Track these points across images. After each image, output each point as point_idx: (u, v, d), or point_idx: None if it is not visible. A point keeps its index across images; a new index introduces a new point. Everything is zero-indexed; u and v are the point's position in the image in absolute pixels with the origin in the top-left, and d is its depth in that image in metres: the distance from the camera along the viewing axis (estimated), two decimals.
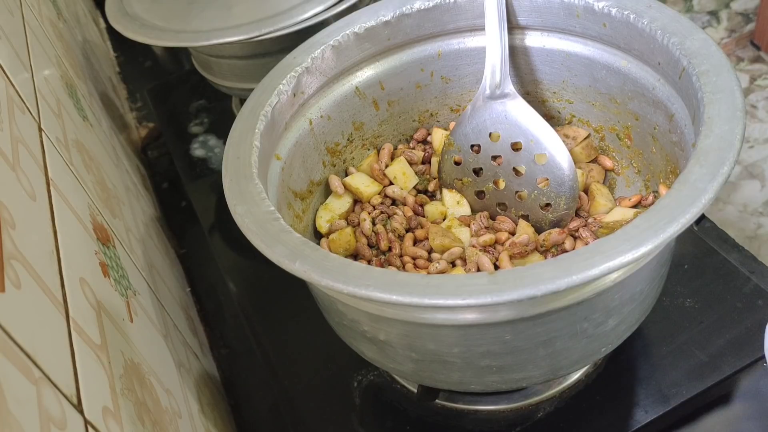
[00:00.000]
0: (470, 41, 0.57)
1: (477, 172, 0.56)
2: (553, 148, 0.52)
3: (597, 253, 0.33)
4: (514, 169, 0.54)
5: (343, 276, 0.36)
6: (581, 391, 0.53)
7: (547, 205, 0.53)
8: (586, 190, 0.55)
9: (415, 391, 0.54)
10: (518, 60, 0.57)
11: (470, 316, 0.38)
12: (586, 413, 0.52)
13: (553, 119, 0.59)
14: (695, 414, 0.52)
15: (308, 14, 0.66)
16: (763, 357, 0.50)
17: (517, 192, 0.54)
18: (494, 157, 0.55)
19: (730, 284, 0.57)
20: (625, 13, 0.48)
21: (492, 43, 0.53)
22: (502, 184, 0.55)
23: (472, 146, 0.55)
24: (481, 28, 0.56)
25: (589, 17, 0.50)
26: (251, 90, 0.51)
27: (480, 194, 0.56)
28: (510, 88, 0.53)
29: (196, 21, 0.70)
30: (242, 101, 0.55)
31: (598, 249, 0.33)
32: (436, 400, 0.54)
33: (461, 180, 0.57)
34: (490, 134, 0.54)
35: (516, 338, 0.40)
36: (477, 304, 0.33)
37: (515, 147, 0.53)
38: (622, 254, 0.33)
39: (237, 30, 0.66)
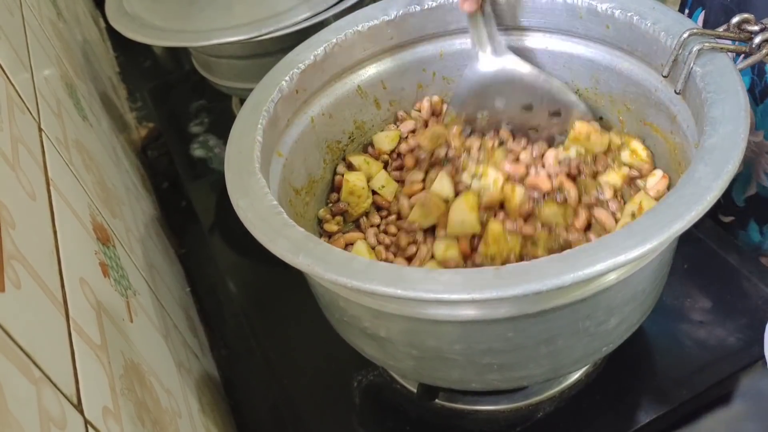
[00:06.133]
0: None
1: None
2: (566, 100, 0.53)
3: (602, 248, 0.33)
4: (528, 130, 0.55)
5: (347, 270, 0.35)
6: (581, 391, 0.53)
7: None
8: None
9: (415, 391, 0.54)
10: None
11: (472, 312, 0.38)
12: (586, 413, 0.52)
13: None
14: (695, 414, 0.51)
15: (308, 14, 0.66)
16: (763, 357, 0.50)
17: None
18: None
19: (730, 284, 0.57)
20: (629, 14, 0.48)
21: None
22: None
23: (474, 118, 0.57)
24: None
25: (592, 19, 0.50)
26: (251, 90, 0.51)
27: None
28: (506, 48, 0.54)
29: (196, 21, 0.70)
30: (242, 101, 0.55)
31: (604, 244, 0.34)
32: (436, 400, 0.54)
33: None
34: (495, 101, 0.55)
35: (518, 335, 0.40)
36: (482, 299, 0.33)
37: (529, 107, 0.55)
38: (628, 250, 0.33)
39: (237, 30, 0.66)
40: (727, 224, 0.67)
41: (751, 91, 0.60)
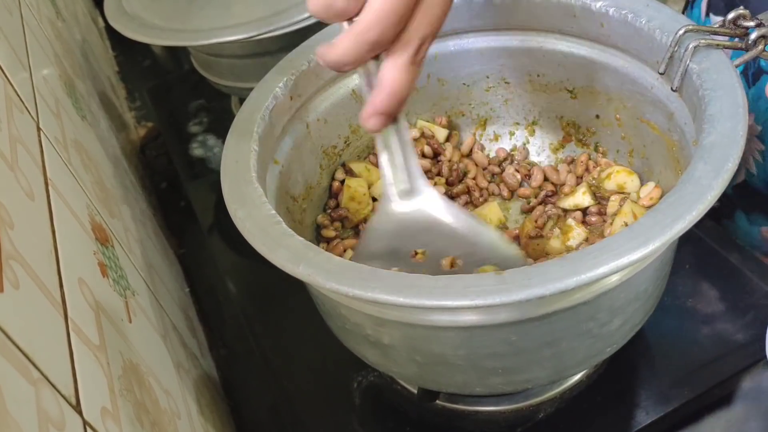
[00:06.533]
0: (466, 42, 0.57)
1: None
2: (501, 253, 0.41)
3: (605, 251, 0.33)
4: None
5: (348, 279, 0.35)
6: (582, 392, 0.53)
7: None
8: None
9: (416, 392, 0.53)
10: (516, 61, 0.57)
11: (476, 318, 0.38)
12: (586, 414, 0.51)
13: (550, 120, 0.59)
14: (696, 415, 0.51)
15: (307, 14, 0.66)
16: (765, 358, 0.50)
17: None
18: None
19: (731, 284, 0.57)
20: (623, 12, 0.47)
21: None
22: None
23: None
24: (477, 29, 0.56)
25: (587, 17, 0.50)
26: (250, 89, 0.51)
27: None
28: (424, 182, 0.40)
29: (195, 20, 0.70)
30: (242, 101, 0.55)
31: (606, 247, 0.33)
32: (437, 401, 0.53)
33: None
34: (415, 252, 0.43)
35: (521, 339, 0.40)
36: (485, 305, 0.33)
37: (451, 264, 0.42)
38: (630, 252, 0.33)
39: (236, 29, 0.66)
40: (713, 210, 0.67)
41: (744, 73, 0.60)
